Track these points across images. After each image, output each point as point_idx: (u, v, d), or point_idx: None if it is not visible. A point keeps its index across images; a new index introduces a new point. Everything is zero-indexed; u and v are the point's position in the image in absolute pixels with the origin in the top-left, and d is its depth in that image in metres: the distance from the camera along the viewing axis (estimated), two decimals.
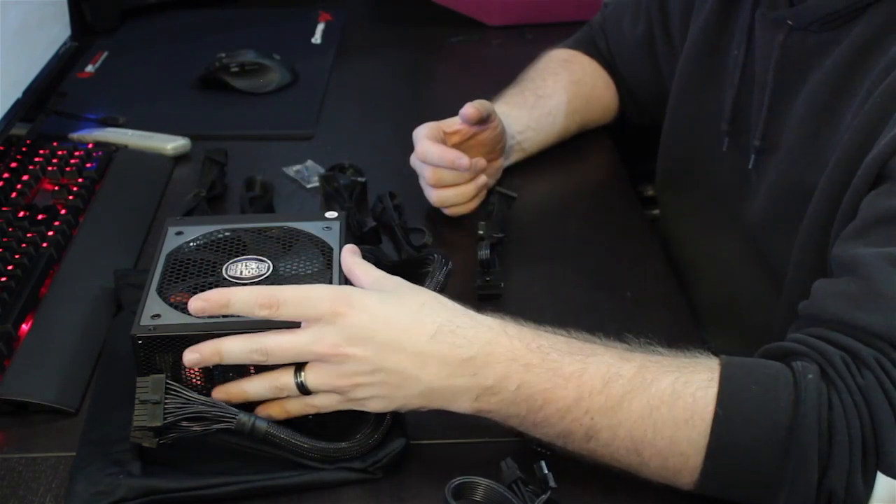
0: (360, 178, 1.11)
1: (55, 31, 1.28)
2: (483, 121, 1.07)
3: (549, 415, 0.72)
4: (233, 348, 0.74)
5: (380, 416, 0.77)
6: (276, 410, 0.77)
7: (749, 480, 0.69)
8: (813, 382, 0.68)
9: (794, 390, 0.68)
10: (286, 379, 0.75)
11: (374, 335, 0.73)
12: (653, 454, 0.71)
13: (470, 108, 1.05)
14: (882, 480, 0.64)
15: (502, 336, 0.73)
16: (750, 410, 0.69)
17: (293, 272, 0.83)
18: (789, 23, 0.92)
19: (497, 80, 1.23)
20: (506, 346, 0.73)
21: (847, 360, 0.69)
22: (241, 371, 0.78)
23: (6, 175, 1.11)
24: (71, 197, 1.08)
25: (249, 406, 0.78)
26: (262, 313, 0.73)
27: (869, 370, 0.68)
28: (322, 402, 0.76)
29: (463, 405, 0.74)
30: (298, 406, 0.76)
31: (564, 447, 0.74)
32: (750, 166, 0.99)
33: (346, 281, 0.82)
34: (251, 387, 0.76)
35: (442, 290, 0.85)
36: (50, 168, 1.13)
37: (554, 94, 1.20)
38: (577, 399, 0.71)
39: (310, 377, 0.74)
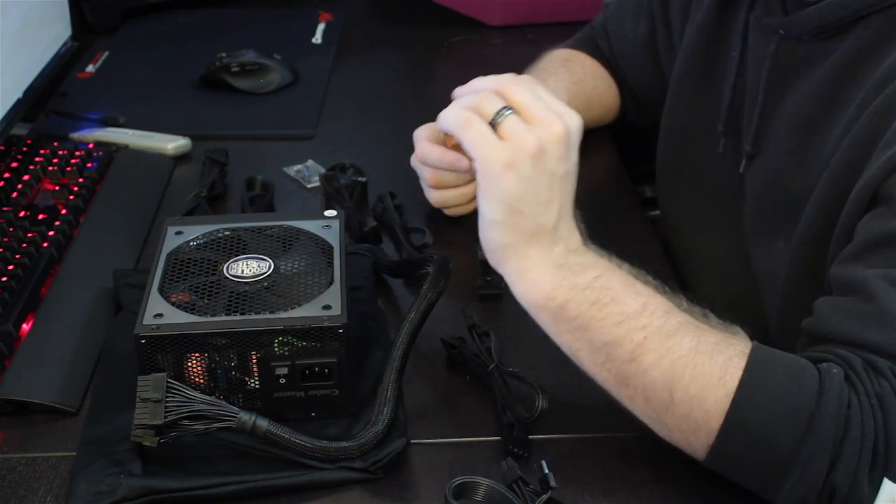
0: (360, 178, 1.11)
1: (56, 31, 1.28)
2: None
3: (609, 314, 0.74)
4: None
5: (380, 414, 0.77)
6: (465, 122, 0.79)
7: (760, 459, 0.70)
8: (837, 377, 0.70)
9: (818, 381, 0.70)
10: (496, 102, 0.78)
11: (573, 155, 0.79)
12: (683, 398, 0.72)
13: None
14: (888, 487, 0.64)
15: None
16: (774, 389, 0.70)
17: (294, 270, 0.84)
18: (781, 31, 0.92)
19: None
20: (597, 253, 0.79)
21: (867, 367, 0.71)
22: (244, 370, 0.78)
23: (7, 175, 1.11)
24: (71, 197, 1.09)
25: (250, 406, 0.78)
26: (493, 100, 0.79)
27: (885, 379, 0.70)
28: (486, 149, 0.78)
29: (545, 257, 0.76)
30: (464, 128, 0.79)
31: (602, 366, 0.75)
32: (741, 170, 0.99)
33: (347, 278, 0.83)
34: (461, 100, 0.81)
35: (441, 292, 0.85)
36: (50, 168, 1.13)
37: (554, 93, 1.19)
38: (640, 311, 0.74)
39: (512, 117, 0.78)
